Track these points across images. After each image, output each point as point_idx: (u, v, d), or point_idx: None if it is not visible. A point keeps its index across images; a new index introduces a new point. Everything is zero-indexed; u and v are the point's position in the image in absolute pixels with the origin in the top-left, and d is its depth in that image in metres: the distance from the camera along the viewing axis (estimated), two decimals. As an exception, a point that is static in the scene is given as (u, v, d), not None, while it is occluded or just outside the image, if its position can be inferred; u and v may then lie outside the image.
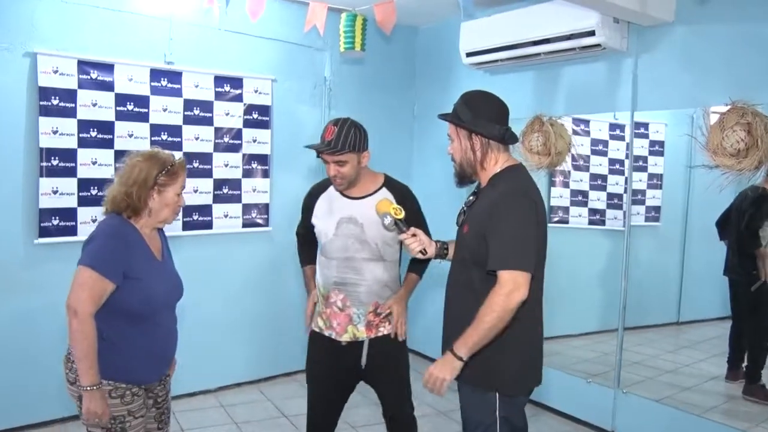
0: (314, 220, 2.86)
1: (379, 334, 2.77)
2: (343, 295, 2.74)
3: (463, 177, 2.36)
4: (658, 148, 4.60)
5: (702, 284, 4.59)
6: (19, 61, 3.67)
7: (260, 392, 4.58)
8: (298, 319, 4.73)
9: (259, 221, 4.62)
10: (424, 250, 2.49)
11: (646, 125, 4.46)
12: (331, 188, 2.84)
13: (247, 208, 4.55)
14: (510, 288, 2.06)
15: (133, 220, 2.27)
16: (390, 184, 2.82)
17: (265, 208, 4.63)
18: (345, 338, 2.75)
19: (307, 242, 3.01)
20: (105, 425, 2.20)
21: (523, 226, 2.13)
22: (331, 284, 2.76)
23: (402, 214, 2.47)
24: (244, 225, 4.56)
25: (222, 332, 4.54)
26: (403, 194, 2.77)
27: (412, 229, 2.49)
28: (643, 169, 4.48)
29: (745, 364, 4.08)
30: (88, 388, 2.13)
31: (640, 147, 4.44)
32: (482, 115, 2.24)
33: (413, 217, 2.67)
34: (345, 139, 2.64)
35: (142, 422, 2.29)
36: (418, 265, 2.89)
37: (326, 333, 2.79)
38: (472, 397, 2.30)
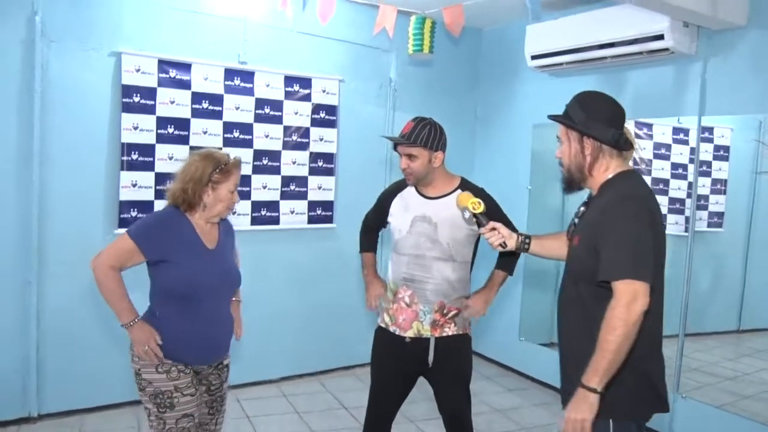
0: (390, 218, 2.95)
1: (444, 334, 2.82)
2: (411, 291, 2.82)
3: (571, 183, 2.21)
4: (723, 153, 4.53)
5: (765, 292, 4.52)
6: (104, 61, 3.88)
7: (320, 384, 4.71)
8: (358, 314, 4.87)
9: (324, 218, 4.75)
10: (504, 243, 2.44)
11: (711, 129, 4.40)
12: (409, 188, 2.92)
13: (312, 205, 4.69)
14: (628, 299, 1.88)
15: (189, 213, 2.43)
16: (466, 186, 2.85)
17: (329, 206, 4.76)
18: (409, 334, 2.81)
19: (371, 230, 3.13)
20: (156, 352, 2.35)
21: (636, 233, 1.95)
22: (400, 280, 2.85)
23: (481, 208, 2.49)
24: (310, 221, 4.70)
25: (285, 324, 4.70)
26: (476, 191, 2.82)
27: (492, 223, 2.48)
28: (707, 174, 4.43)
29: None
30: (128, 325, 2.36)
31: (705, 151, 4.38)
32: (596, 117, 2.11)
33: (493, 212, 2.71)
34: (419, 134, 2.72)
35: (191, 401, 2.41)
36: (506, 261, 2.93)
37: (392, 329, 2.86)
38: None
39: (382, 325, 2.94)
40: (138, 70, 3.94)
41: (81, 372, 3.93)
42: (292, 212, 4.61)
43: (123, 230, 3.82)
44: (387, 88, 4.98)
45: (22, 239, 3.73)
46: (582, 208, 2.24)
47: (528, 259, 5.03)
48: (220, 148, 4.12)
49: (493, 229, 2.47)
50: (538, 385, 4.90)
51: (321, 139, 4.67)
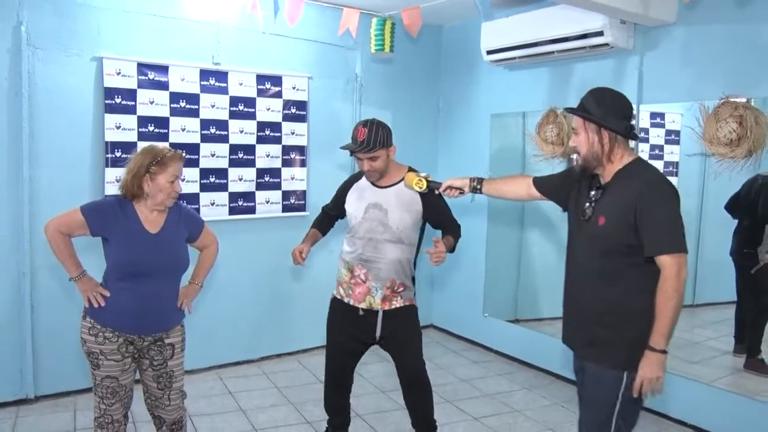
0: (346, 206, 3.35)
1: (393, 306, 3.23)
2: (366, 270, 3.22)
3: (586, 170, 2.45)
4: (674, 137, 4.88)
5: (716, 268, 4.85)
6: (87, 65, 4.15)
7: (298, 362, 5.04)
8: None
9: (298, 206, 5.07)
10: (462, 191, 2.90)
11: (662, 115, 4.74)
12: (363, 180, 3.32)
13: (286, 195, 5.01)
14: (677, 270, 2.22)
15: (135, 202, 2.75)
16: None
17: (302, 195, 5.08)
18: (363, 306, 3.23)
19: (327, 217, 3.54)
20: (102, 293, 2.69)
21: (676, 213, 2.28)
22: (356, 259, 3.24)
23: (424, 184, 2.96)
24: (284, 210, 5.01)
25: (264, 308, 5.03)
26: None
27: (444, 184, 2.93)
28: (659, 157, 4.75)
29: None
30: (75, 279, 2.73)
31: (657, 136, 4.73)
32: (611, 111, 2.36)
33: (434, 200, 3.15)
34: (375, 137, 3.10)
35: (115, 365, 2.70)
36: (451, 233, 3.28)
37: (345, 300, 3.29)
38: (601, 376, 2.42)
39: (337, 296, 3.36)
40: (119, 73, 4.22)
41: (74, 356, 4.20)
42: (268, 202, 4.92)
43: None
44: (353, 84, 5.29)
45: (15, 234, 4.00)
46: (593, 193, 2.47)
47: (490, 242, 5.39)
48: (197, 144, 4.50)
49: (449, 187, 2.91)
50: (501, 357, 5.28)
51: (292, 133, 4.98)
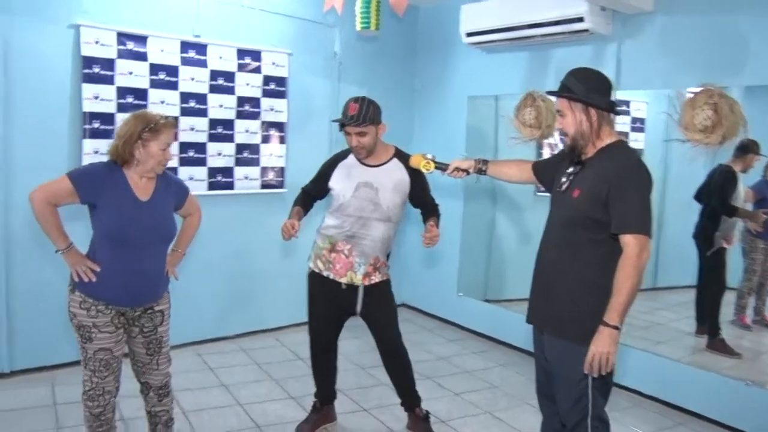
0: (332, 184, 3.35)
1: (372, 282, 3.31)
2: (350, 245, 3.26)
3: (575, 150, 2.48)
4: (639, 125, 5.04)
5: (677, 252, 5.04)
6: (64, 33, 4.03)
7: (276, 339, 5.05)
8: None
9: (275, 183, 5.05)
10: (467, 172, 2.97)
11: (627, 103, 4.89)
12: (350, 157, 3.34)
13: (264, 171, 4.98)
14: (638, 250, 2.26)
15: (125, 168, 2.70)
16: (400, 154, 3.34)
17: (281, 172, 5.06)
18: (344, 281, 3.28)
19: (308, 196, 3.51)
20: (91, 267, 2.64)
21: (647, 196, 2.34)
22: (342, 235, 3.27)
23: (433, 165, 3.03)
24: (262, 186, 4.99)
25: (241, 284, 5.01)
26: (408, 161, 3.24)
27: (451, 165, 2.98)
28: (625, 144, 4.92)
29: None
30: (63, 251, 2.66)
31: (622, 123, 4.89)
32: (594, 89, 2.40)
33: (421, 180, 3.26)
34: (366, 113, 3.14)
35: (109, 338, 2.69)
36: (432, 215, 3.38)
37: (325, 273, 3.32)
38: (566, 351, 2.46)
39: (315, 270, 3.38)
40: (97, 42, 4.11)
41: (52, 329, 4.11)
42: (246, 178, 4.88)
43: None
44: (332, 62, 5.28)
45: (-10, 204, 3.88)
46: (572, 168, 2.53)
47: (465, 223, 5.48)
48: (176, 118, 4.42)
49: (456, 168, 2.96)
50: (475, 335, 5.40)
51: (272, 109, 4.95)
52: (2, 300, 3.97)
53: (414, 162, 3.08)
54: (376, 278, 3.32)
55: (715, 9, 3.77)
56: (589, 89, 2.41)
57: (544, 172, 2.84)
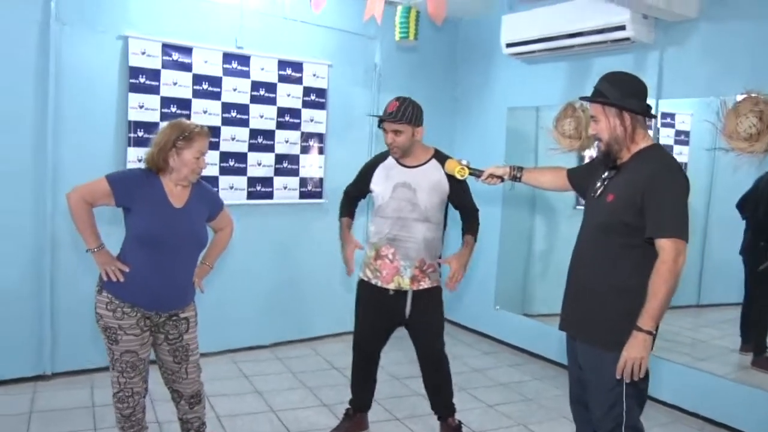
0: (372, 186, 3.37)
1: (420, 287, 3.26)
2: (394, 249, 3.24)
3: (609, 155, 2.45)
4: (683, 137, 4.92)
5: (722, 268, 4.87)
6: (113, 43, 4.17)
7: (312, 349, 5.06)
8: (346, 283, 5.23)
9: (314, 194, 5.09)
10: (501, 179, 2.95)
11: (672, 115, 4.78)
12: (389, 159, 3.35)
13: (303, 182, 5.03)
14: (674, 254, 2.22)
15: (161, 175, 2.75)
16: (439, 155, 3.32)
17: (319, 182, 5.10)
18: (391, 286, 3.25)
19: (351, 200, 3.54)
20: (120, 268, 2.68)
21: (683, 200, 2.29)
22: (384, 240, 3.26)
23: (467, 171, 3.02)
24: (301, 196, 5.03)
25: (279, 293, 5.04)
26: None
27: (486, 172, 2.97)
28: (669, 157, 4.80)
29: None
30: (94, 250, 2.71)
31: (666, 136, 4.78)
32: (628, 93, 2.37)
33: (459, 182, 3.21)
34: (404, 112, 3.15)
35: (134, 340, 2.71)
36: (470, 228, 3.36)
37: (373, 281, 3.30)
38: (599, 357, 2.42)
39: (365, 279, 3.36)
40: (143, 53, 4.24)
41: (92, 334, 4.17)
42: (285, 188, 4.94)
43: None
44: (372, 73, 5.32)
45: (38, 208, 4.01)
46: (607, 173, 2.50)
47: (504, 236, 5.43)
48: (210, 128, 4.51)
49: (490, 175, 2.95)
50: (511, 349, 5.32)
51: (311, 120, 5.00)
52: (47, 304, 4.08)
53: (449, 167, 3.08)
54: (426, 284, 3.27)
55: (761, 14, 3.68)
56: (623, 93, 2.38)
57: (579, 179, 2.81)
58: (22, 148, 3.95)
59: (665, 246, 2.25)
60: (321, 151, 5.08)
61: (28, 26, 3.90)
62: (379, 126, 3.28)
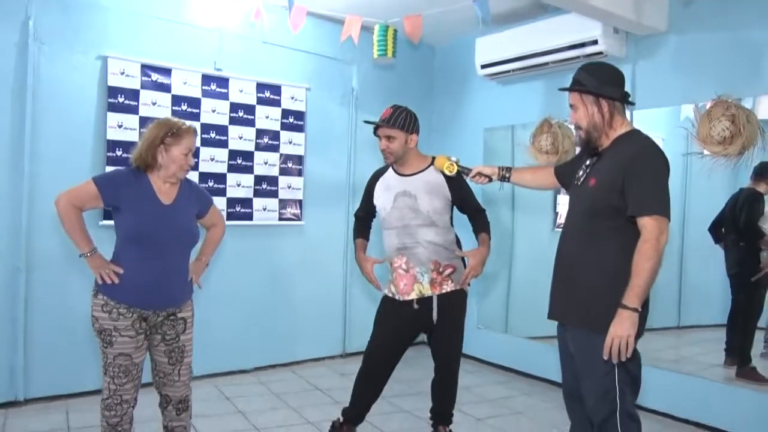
0: (375, 200, 3.39)
1: (443, 291, 3.21)
2: (405, 258, 3.21)
3: (589, 142, 2.51)
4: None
5: (699, 292, 4.89)
6: (92, 63, 4.17)
7: (293, 372, 4.96)
8: (326, 307, 5.20)
9: (293, 216, 5.07)
10: (489, 179, 3.00)
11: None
12: (388, 172, 3.38)
13: (282, 203, 5.01)
14: (657, 232, 2.24)
15: (149, 172, 2.75)
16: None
17: (298, 204, 5.08)
18: (413, 296, 3.19)
19: (362, 221, 3.55)
20: (114, 270, 2.64)
21: (664, 179, 2.33)
22: (394, 251, 3.25)
23: (455, 168, 3.05)
24: (280, 218, 5.00)
25: (259, 316, 4.95)
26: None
27: (474, 170, 3.04)
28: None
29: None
30: (87, 254, 2.67)
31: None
32: (605, 80, 2.44)
33: (459, 184, 3.25)
34: (396, 118, 3.20)
35: (129, 342, 2.67)
36: (481, 226, 3.35)
37: (398, 298, 3.25)
38: (590, 342, 2.40)
39: (389, 295, 3.31)
40: (122, 73, 4.24)
41: (67, 358, 4.09)
42: (264, 209, 4.91)
43: (108, 221, 4.12)
44: (349, 97, 5.38)
45: (13, 227, 3.93)
46: (589, 161, 2.56)
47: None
48: (197, 148, 4.49)
49: (478, 173, 3.00)
50: (494, 368, 5.28)
51: (290, 142, 5.02)
52: (20, 328, 3.96)
53: (438, 164, 3.11)
54: (448, 287, 3.22)
55: (727, 24, 3.84)
56: (600, 81, 2.45)
57: (565, 174, 2.85)
58: (-3, 165, 3.89)
59: (647, 224, 2.27)
60: (300, 173, 5.09)
61: (6, 45, 3.89)
62: (374, 133, 3.31)
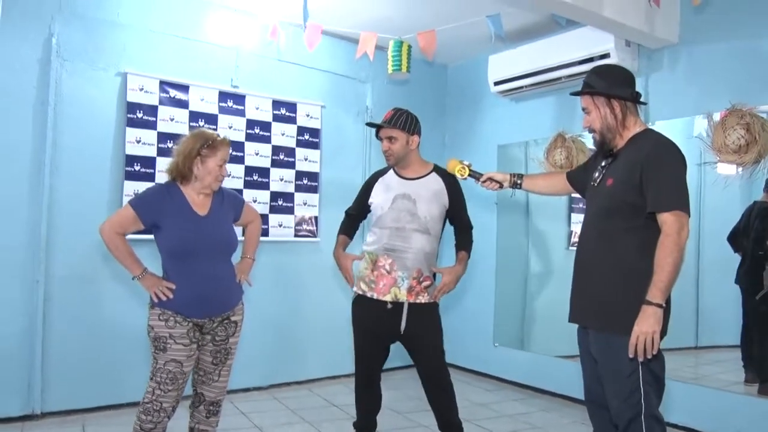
0: (372, 198, 3.38)
1: (418, 301, 3.19)
2: (391, 260, 3.20)
3: (604, 144, 2.53)
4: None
5: (716, 313, 4.90)
6: (112, 80, 4.24)
7: (308, 390, 4.92)
8: (343, 324, 5.14)
9: (309, 232, 5.08)
10: (500, 185, 3.03)
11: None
12: (389, 173, 3.39)
13: (298, 220, 5.03)
14: (678, 227, 2.23)
15: (183, 184, 2.81)
16: (438, 170, 3.37)
17: (314, 221, 5.10)
18: (388, 298, 3.18)
19: (352, 219, 3.56)
20: (168, 286, 2.72)
21: (682, 174, 2.32)
22: (382, 250, 3.22)
23: (467, 172, 3.09)
24: (296, 234, 5.02)
25: (275, 334, 4.94)
26: (448, 176, 3.29)
27: (485, 175, 3.07)
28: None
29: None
30: (138, 277, 2.76)
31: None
32: (616, 82, 2.47)
33: (458, 195, 3.30)
34: (398, 119, 3.25)
35: (182, 350, 2.72)
36: (463, 240, 3.37)
37: (369, 294, 3.23)
38: (612, 344, 2.38)
39: (360, 293, 3.29)
40: (141, 89, 4.31)
41: (84, 373, 4.08)
42: (280, 225, 4.93)
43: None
44: (364, 115, 5.43)
45: (32, 241, 3.95)
46: (603, 162, 2.57)
47: (499, 273, 5.42)
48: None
49: (489, 179, 3.02)
50: (513, 385, 5.21)
51: (305, 159, 5.06)
52: (39, 338, 3.96)
53: (450, 166, 3.13)
54: (423, 299, 3.20)
55: (739, 34, 3.87)
56: (611, 83, 2.48)
57: (579, 178, 2.85)
58: (18, 180, 3.93)
59: (668, 220, 2.26)
60: (315, 190, 5.11)
61: (29, 62, 3.96)
62: (376, 136, 3.35)
